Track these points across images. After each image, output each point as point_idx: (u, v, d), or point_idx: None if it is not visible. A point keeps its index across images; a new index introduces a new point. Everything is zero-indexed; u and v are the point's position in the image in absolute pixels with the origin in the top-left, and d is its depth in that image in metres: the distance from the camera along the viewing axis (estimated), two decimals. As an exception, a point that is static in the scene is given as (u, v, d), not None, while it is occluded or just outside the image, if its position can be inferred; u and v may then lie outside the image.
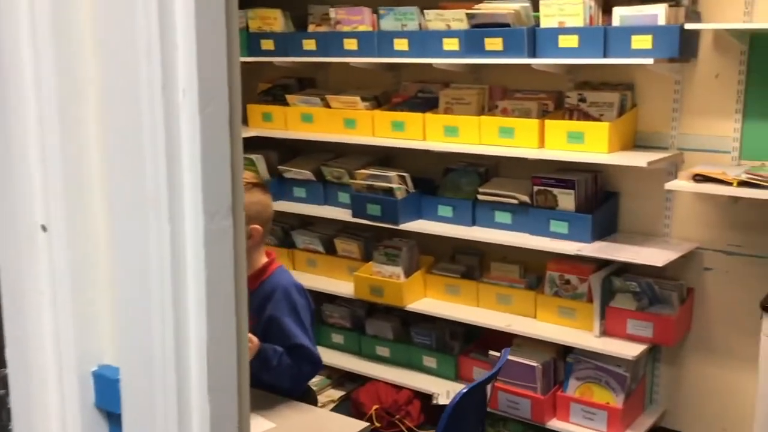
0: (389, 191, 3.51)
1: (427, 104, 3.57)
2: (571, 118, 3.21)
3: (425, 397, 3.50)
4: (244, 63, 4.03)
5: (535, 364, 3.20)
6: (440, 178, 3.63)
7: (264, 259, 2.06)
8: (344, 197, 3.75)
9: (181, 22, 0.88)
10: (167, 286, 0.92)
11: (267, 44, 3.87)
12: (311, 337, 2.03)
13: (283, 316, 1.98)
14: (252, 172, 2.08)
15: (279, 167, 3.98)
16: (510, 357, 3.22)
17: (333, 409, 3.66)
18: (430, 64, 3.37)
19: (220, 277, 0.93)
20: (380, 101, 3.77)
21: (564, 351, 3.27)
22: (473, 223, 3.45)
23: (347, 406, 3.66)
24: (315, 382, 3.81)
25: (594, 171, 3.27)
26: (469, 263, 3.62)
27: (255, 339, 1.88)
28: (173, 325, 0.92)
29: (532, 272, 3.44)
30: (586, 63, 3.03)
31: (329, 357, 3.82)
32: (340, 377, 3.87)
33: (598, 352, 3.10)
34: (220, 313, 0.93)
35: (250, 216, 1.93)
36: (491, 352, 3.30)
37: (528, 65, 3.15)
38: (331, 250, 3.92)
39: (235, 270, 0.96)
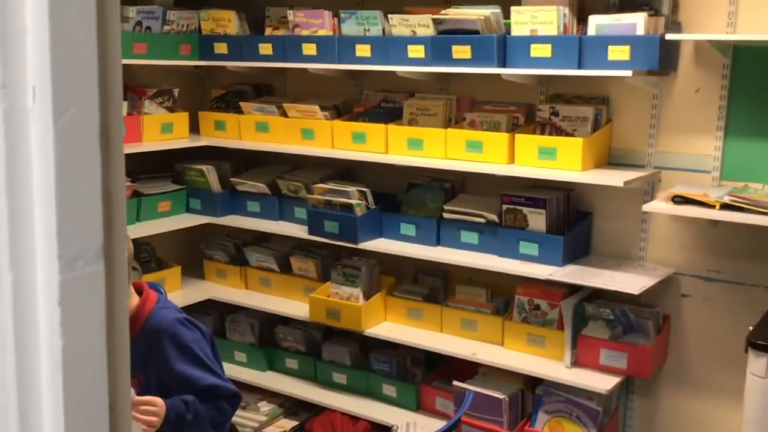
0: (348, 207, 3.27)
1: (390, 115, 3.35)
2: (542, 133, 3.01)
3: (383, 430, 3.26)
4: (196, 67, 3.79)
5: (501, 396, 2.98)
6: (403, 194, 3.41)
7: (134, 300, 1.76)
8: (301, 212, 3.51)
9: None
10: (9, 363, 0.67)
11: (220, 47, 3.61)
12: (217, 369, 1.78)
13: (178, 365, 1.71)
14: None
15: (232, 179, 3.73)
16: (475, 388, 3.00)
17: (285, 441, 3.41)
18: (394, 72, 3.15)
19: (84, 348, 0.68)
20: (341, 111, 3.54)
21: (533, 382, 3.05)
22: (438, 242, 3.23)
23: (300, 438, 3.41)
24: (266, 411, 3.57)
25: (566, 189, 3.07)
26: (433, 285, 3.39)
27: (157, 401, 1.60)
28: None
29: (500, 296, 3.22)
30: (560, 74, 2.83)
31: (282, 384, 3.58)
32: (293, 405, 3.61)
33: (569, 384, 2.88)
34: (86, 405, 0.68)
35: None
36: (455, 383, 3.07)
37: (498, 75, 2.95)
38: (286, 268, 3.67)
39: (109, 334, 0.71)
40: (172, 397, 1.69)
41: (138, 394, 1.69)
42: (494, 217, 3.08)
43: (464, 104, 3.30)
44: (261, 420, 3.50)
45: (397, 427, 3.19)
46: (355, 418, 3.32)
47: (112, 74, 0.75)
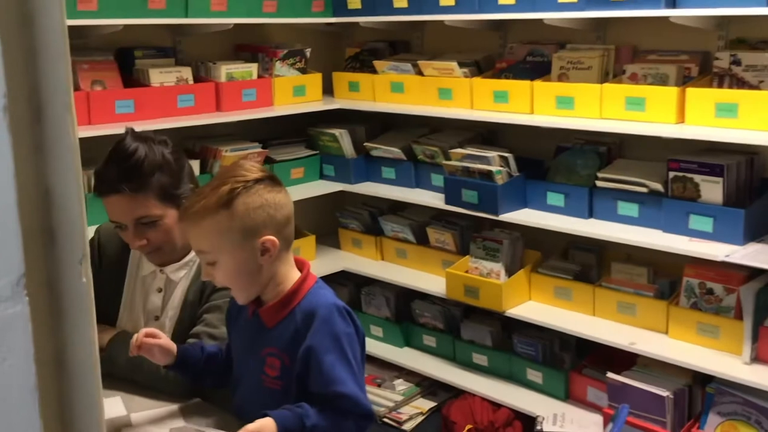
0: (488, 174, 2.94)
1: (537, 70, 2.97)
2: (720, 86, 2.54)
3: (528, 420, 2.95)
4: (328, 25, 3.57)
5: (664, 393, 2.58)
6: (551, 159, 3.04)
7: (294, 274, 1.54)
8: (438, 180, 3.22)
9: None
10: None
11: (354, 2, 3.37)
12: (360, 381, 1.51)
13: (324, 353, 1.46)
14: (255, 164, 1.52)
15: (366, 144, 3.50)
16: (633, 382, 2.63)
17: (420, 424, 3.19)
18: (541, 21, 2.77)
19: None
20: (481, 67, 3.19)
21: (703, 378, 2.62)
22: (590, 214, 2.84)
23: (436, 423, 3.17)
24: (402, 390, 3.36)
25: (749, 153, 2.58)
26: (585, 262, 3.01)
27: (268, 424, 1.38)
28: None
29: (664, 277, 2.79)
30: (743, 14, 2.34)
31: (419, 362, 3.36)
32: (431, 385, 3.38)
33: (748, 384, 2.44)
34: None
35: (257, 225, 1.45)
36: (610, 375, 2.71)
37: (665, 18, 2.51)
38: (423, 239, 3.41)
39: (45, 407, 0.47)
40: (309, 388, 1.47)
41: (276, 378, 1.51)
42: (658, 186, 2.65)
43: (624, 55, 2.86)
44: (397, 399, 3.30)
45: (543, 419, 2.88)
46: (496, 405, 3.03)
47: (55, 33, 0.49)
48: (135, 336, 1.57)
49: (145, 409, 1.66)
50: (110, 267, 1.87)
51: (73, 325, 0.48)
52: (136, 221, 1.71)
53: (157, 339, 1.59)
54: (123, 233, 1.75)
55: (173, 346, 1.61)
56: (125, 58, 3.01)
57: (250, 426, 1.34)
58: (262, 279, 1.50)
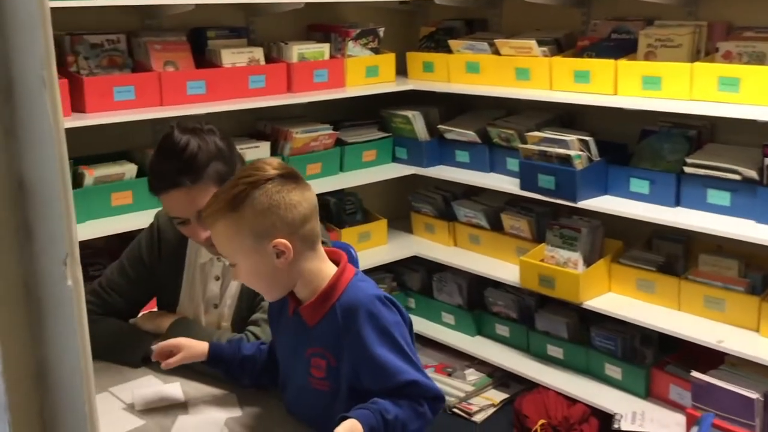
0: (566, 159, 2.80)
1: (622, 48, 2.80)
2: (826, 64, 2.32)
3: (605, 417, 2.82)
4: (402, 3, 3.47)
5: (754, 396, 2.41)
6: (635, 143, 2.87)
7: (327, 270, 1.45)
8: (514, 164, 3.09)
9: None
10: None
11: (429, -20, 3.26)
12: (419, 363, 1.44)
13: (377, 348, 1.38)
14: (271, 161, 1.43)
15: (440, 126, 3.39)
16: (720, 382, 2.46)
17: (491, 417, 3.09)
18: (627, -5, 2.60)
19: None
20: (562, 45, 3.04)
21: (798, 381, 2.43)
22: (677, 203, 2.66)
23: (508, 415, 3.07)
24: (474, 380, 3.27)
25: None
26: (670, 253, 2.83)
27: (354, 427, 1.30)
28: None
29: (757, 271, 2.60)
30: None
31: (492, 352, 3.26)
32: (503, 376, 3.27)
33: None
34: None
35: (266, 228, 1.37)
36: (695, 374, 2.54)
37: (765, -9, 2.30)
38: (497, 225, 3.29)
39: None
40: (365, 386, 1.40)
41: (322, 379, 1.45)
42: (753, 174, 2.46)
43: (718, 31, 2.66)
44: (467, 390, 3.21)
45: (621, 416, 2.74)
46: (571, 400, 2.90)
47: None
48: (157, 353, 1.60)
49: (204, 395, 1.62)
50: (169, 254, 1.84)
51: (57, 333, 0.41)
52: (199, 214, 1.67)
53: (175, 356, 1.58)
54: (184, 228, 1.71)
55: (201, 348, 1.59)
56: (198, 39, 3.00)
57: (339, 429, 1.29)
58: (285, 280, 1.43)
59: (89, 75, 2.67)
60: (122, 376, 1.71)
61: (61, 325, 0.41)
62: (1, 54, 0.39)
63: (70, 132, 2.62)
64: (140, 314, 1.88)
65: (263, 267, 1.39)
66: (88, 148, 2.78)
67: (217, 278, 1.81)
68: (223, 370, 1.62)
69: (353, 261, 2.29)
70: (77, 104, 2.60)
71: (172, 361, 1.57)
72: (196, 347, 1.60)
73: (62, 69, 2.65)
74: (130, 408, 1.58)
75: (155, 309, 1.90)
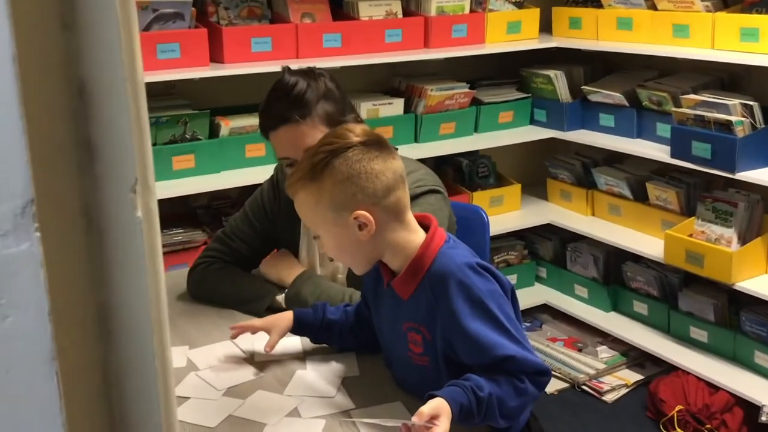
0: (726, 125, 2.54)
1: (799, 3, 2.49)
2: None
3: (751, 407, 2.58)
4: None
5: None
6: (808, 110, 2.56)
7: (416, 239, 1.35)
8: (664, 130, 2.86)
9: None
10: None
11: (581, -72, 3.04)
12: (519, 334, 1.30)
13: (469, 321, 1.27)
14: (355, 128, 1.33)
15: (584, 87, 3.19)
16: None
17: (624, 397, 2.92)
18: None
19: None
20: (728, 0, 2.75)
21: None
22: None
23: (641, 398, 2.88)
24: (606, 358, 3.09)
25: None
26: (841, 234, 2.53)
27: (442, 409, 1.18)
28: None
29: None
30: None
31: (627, 330, 3.08)
32: (638, 356, 3.08)
33: None
34: None
35: (345, 198, 1.28)
36: None
37: None
38: (641, 196, 3.07)
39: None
40: (459, 361, 1.31)
41: (421, 354, 1.37)
42: None
43: None
44: (598, 367, 3.05)
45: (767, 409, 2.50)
46: (713, 387, 2.68)
47: None
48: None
49: (323, 352, 1.58)
50: (288, 206, 1.81)
51: (123, 273, 0.34)
52: None
53: (271, 338, 1.53)
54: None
55: (287, 319, 1.55)
56: (337, -9, 2.94)
57: (424, 409, 1.19)
58: (370, 253, 1.35)
59: (228, 25, 2.68)
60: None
61: (127, 264, 0.34)
62: None
63: (209, 82, 2.66)
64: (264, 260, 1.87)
65: (346, 239, 1.32)
66: (226, 99, 2.80)
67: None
68: (311, 336, 1.57)
69: (484, 225, 2.19)
70: (216, 54, 2.62)
71: (272, 342, 1.52)
72: (282, 320, 1.55)
73: (203, 18, 2.67)
74: (250, 358, 1.56)
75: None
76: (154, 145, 2.56)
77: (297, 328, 1.56)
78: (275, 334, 1.54)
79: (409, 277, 1.35)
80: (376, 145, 1.32)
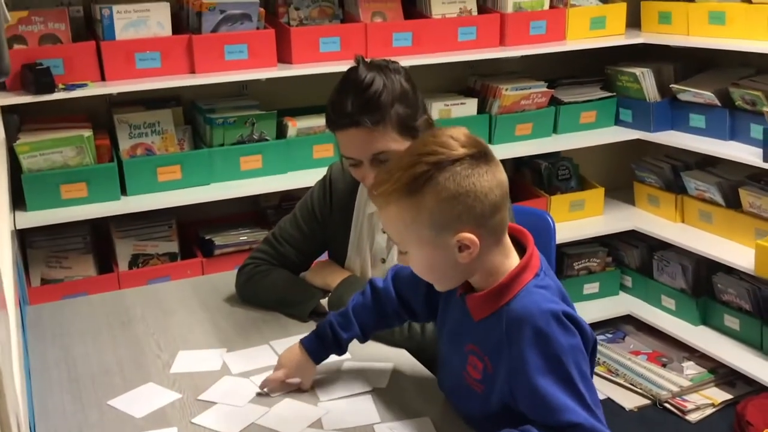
0: (826, 127, 2.32)
1: None
2: None
3: None
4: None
5: None
6: None
7: (509, 264, 1.22)
8: (759, 131, 2.65)
9: None
10: None
11: None
12: (590, 398, 1.15)
13: (538, 377, 1.13)
14: (460, 135, 1.20)
15: (673, 86, 3.00)
16: None
17: (708, 418, 2.73)
18: None
19: None
20: (833, -11, 2.51)
21: None
22: None
23: (728, 419, 2.69)
24: (691, 375, 2.89)
25: None
26: None
27: None
28: None
29: None
30: None
31: (717, 346, 2.89)
32: (728, 374, 2.87)
33: None
34: None
35: (450, 219, 1.15)
36: None
37: None
38: (733, 202, 2.86)
39: None
40: (520, 410, 1.18)
41: (477, 381, 1.26)
42: None
43: None
44: (683, 384, 2.86)
45: None
46: (809, 413, 2.46)
47: None
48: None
49: (365, 354, 1.54)
50: (340, 205, 1.77)
51: None
52: (374, 157, 1.56)
53: (276, 374, 1.44)
54: (356, 170, 1.61)
55: (297, 355, 1.45)
56: (410, -11, 2.89)
57: None
58: (462, 274, 1.23)
59: (298, 26, 2.67)
60: (285, 331, 1.67)
61: None
62: None
63: (276, 82, 2.66)
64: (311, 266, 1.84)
65: (440, 260, 1.19)
66: (294, 100, 2.80)
67: (384, 230, 1.70)
68: (336, 353, 1.47)
69: (550, 232, 2.08)
70: (284, 55, 2.62)
71: (307, 386, 1.44)
72: (305, 366, 1.45)
73: (272, 19, 2.67)
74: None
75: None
76: (221, 145, 2.59)
77: (320, 359, 1.46)
78: (306, 381, 1.45)
79: (486, 301, 1.22)
80: (484, 157, 1.17)
